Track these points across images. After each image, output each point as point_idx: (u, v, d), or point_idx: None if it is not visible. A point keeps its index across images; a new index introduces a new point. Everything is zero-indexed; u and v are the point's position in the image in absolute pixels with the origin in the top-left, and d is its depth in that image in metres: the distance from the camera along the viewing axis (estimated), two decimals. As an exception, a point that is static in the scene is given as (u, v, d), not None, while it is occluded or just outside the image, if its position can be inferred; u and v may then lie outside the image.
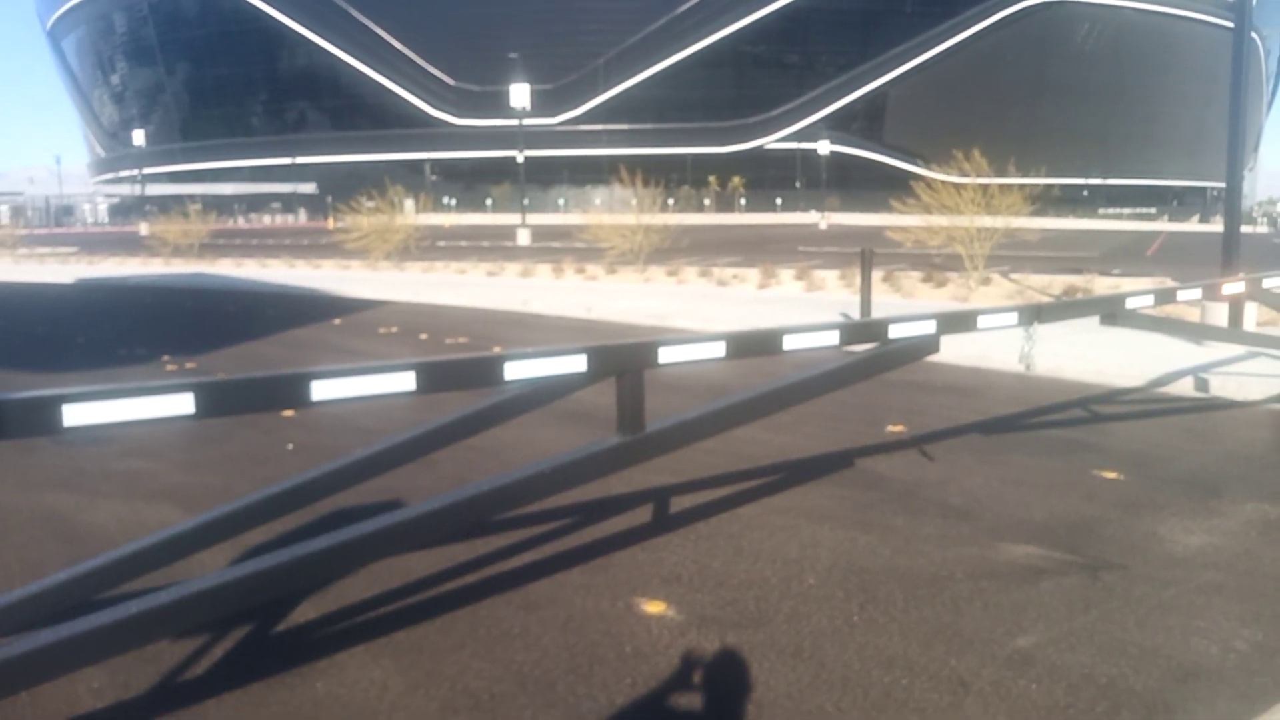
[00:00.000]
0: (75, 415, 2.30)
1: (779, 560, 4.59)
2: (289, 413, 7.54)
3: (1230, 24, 11.64)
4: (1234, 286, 6.43)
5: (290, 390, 2.61)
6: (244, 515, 3.31)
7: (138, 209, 72.63)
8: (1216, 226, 63.06)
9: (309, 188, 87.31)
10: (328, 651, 3.70)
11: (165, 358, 11.08)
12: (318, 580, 3.12)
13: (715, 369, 6.70)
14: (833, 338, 3.72)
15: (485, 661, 3.60)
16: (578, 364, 3.03)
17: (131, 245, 41.27)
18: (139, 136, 74.26)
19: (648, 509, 5.42)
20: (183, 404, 2.43)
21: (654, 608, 4.06)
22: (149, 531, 5.06)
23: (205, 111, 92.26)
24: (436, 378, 2.82)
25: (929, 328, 3.99)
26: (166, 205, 46.61)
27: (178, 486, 5.96)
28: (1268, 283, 6.57)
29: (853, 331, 3.83)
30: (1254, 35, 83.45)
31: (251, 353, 11.79)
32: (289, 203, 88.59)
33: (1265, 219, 78.04)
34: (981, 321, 4.26)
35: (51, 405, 2.29)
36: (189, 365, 10.68)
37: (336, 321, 15.09)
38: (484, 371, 2.95)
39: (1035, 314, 4.54)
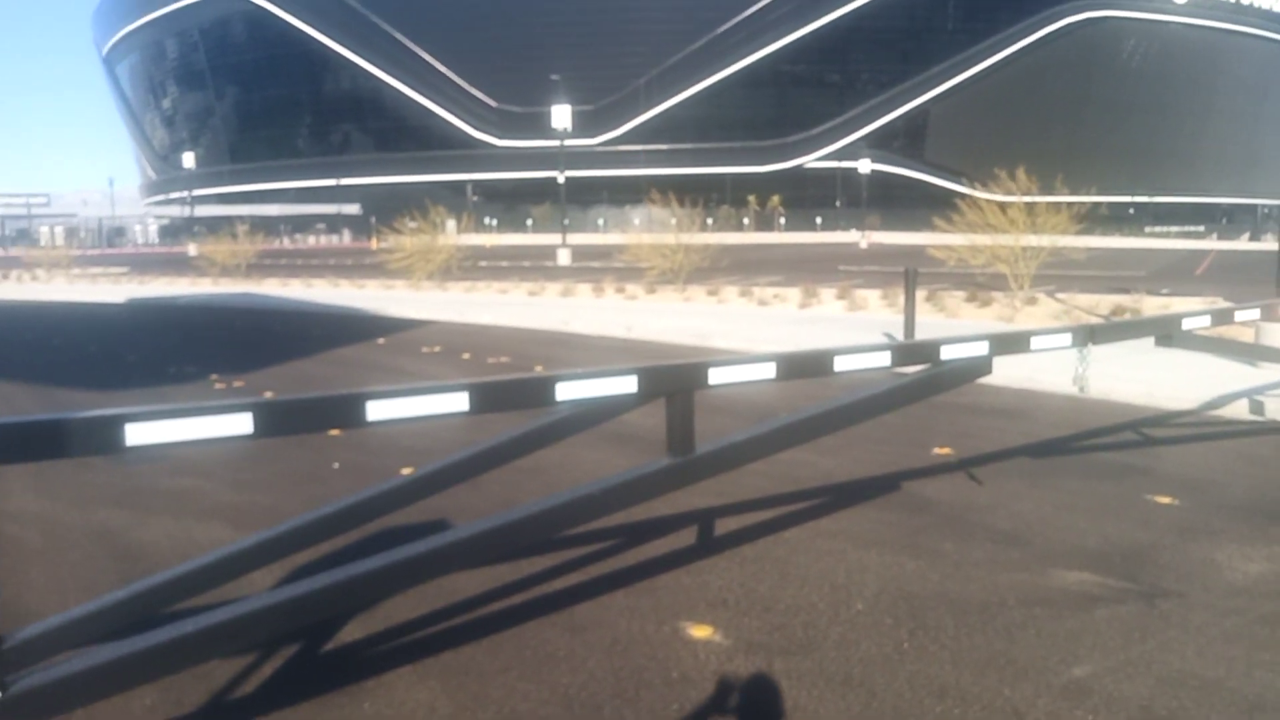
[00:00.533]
0: (137, 435, 2.34)
1: (826, 585, 4.53)
2: (335, 431, 7.61)
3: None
4: (1293, 307, 6.29)
5: (346, 410, 2.63)
6: (297, 535, 3.33)
7: (187, 230, 74.20)
8: (1267, 245, 61.77)
9: (353, 208, 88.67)
10: (375, 671, 3.71)
11: (214, 376, 11.26)
12: (369, 599, 3.13)
13: (757, 391, 6.66)
14: (884, 359, 3.68)
15: (531, 684, 3.59)
16: (628, 385, 3.03)
17: (180, 265, 42.11)
18: (189, 159, 75.98)
19: (692, 531, 5.39)
20: (241, 424, 2.46)
21: (700, 632, 4.02)
22: (200, 549, 5.14)
23: (253, 134, 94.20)
24: (489, 398, 2.83)
25: (981, 349, 3.93)
26: (215, 226, 47.57)
27: (228, 505, 6.03)
28: (1328, 303, 6.41)
29: (904, 353, 3.79)
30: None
31: (298, 371, 11.94)
32: (333, 223, 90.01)
33: (1319, 237, 76.34)
34: (1035, 343, 4.19)
35: (114, 425, 2.33)
36: (237, 384, 10.83)
37: (380, 341, 15.25)
38: (536, 392, 2.96)
39: (1090, 335, 4.47)
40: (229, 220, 47.92)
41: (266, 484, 6.53)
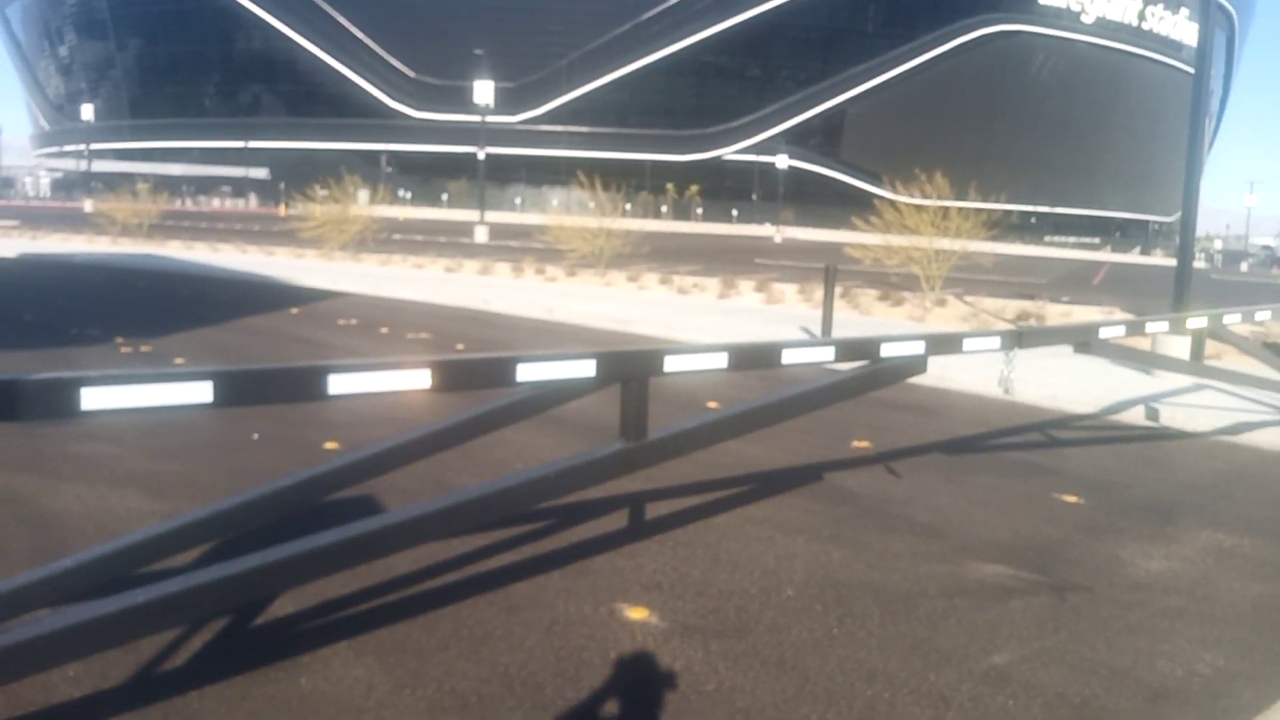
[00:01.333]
0: (94, 399, 2.26)
1: (756, 571, 4.64)
2: (254, 402, 7.43)
3: (1176, 63, 12.03)
4: (1197, 321, 6.65)
5: (308, 383, 2.59)
6: (239, 513, 3.26)
7: (83, 185, 70.89)
8: (1157, 259, 64.82)
9: (261, 173, 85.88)
10: (309, 647, 3.66)
11: (119, 339, 10.83)
12: (319, 576, 3.08)
13: (678, 381, 6.72)
14: (829, 354, 3.78)
15: (470, 662, 3.59)
16: (586, 369, 3.05)
17: (76, 222, 40.18)
18: (87, 111, 72.34)
19: (624, 515, 5.44)
20: (201, 392, 2.40)
21: (636, 614, 4.08)
22: (116, 518, 4.98)
23: (157, 89, 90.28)
24: (451, 376, 2.82)
25: (919, 348, 4.07)
26: (113, 183, 45.54)
27: (143, 473, 5.83)
28: (1228, 318, 6.81)
29: (846, 349, 3.90)
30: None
31: (209, 339, 11.57)
32: (240, 187, 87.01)
33: (1203, 254, 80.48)
34: (967, 344, 4.36)
35: (70, 388, 2.25)
36: (144, 349, 10.45)
37: (294, 311, 14.87)
38: (498, 372, 2.96)
39: (1017, 339, 4.66)
40: (129, 177, 45.96)
41: (183, 453, 6.33)
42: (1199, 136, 11.26)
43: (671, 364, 3.27)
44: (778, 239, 58.28)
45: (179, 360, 9.80)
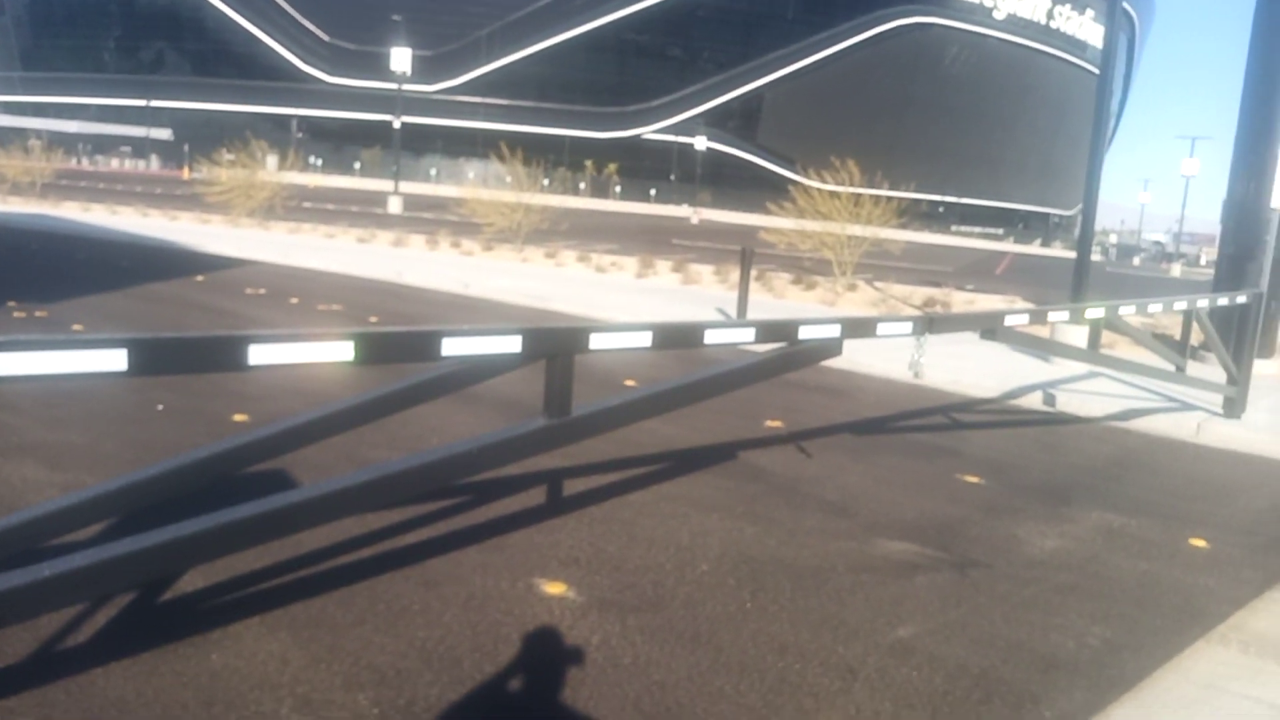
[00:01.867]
0: (1, 365, 2.18)
1: (671, 547, 4.71)
2: (158, 372, 7.19)
3: (1081, 63, 12.48)
4: (1095, 312, 6.96)
5: (228, 352, 2.53)
6: (149, 486, 3.17)
7: (-33, 139, 67.00)
8: (1057, 251, 67.22)
9: (164, 133, 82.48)
10: (220, 623, 3.59)
11: (12, 303, 10.36)
12: (234, 550, 3.02)
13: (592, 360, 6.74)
14: (749, 335, 3.86)
15: (387, 637, 3.58)
16: (512, 344, 3.05)
17: (-40, 178, 38.07)
18: (-27, 61, 68.43)
19: (541, 491, 5.46)
20: (115, 360, 2.33)
21: (554, 589, 4.11)
22: (12, 488, 4.79)
23: (51, 41, 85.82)
24: (374, 349, 2.79)
25: (834, 331, 4.18)
26: (4, 139, 43.22)
27: (40, 443, 5.61)
28: (1123, 310, 7.14)
29: (766, 331, 3.98)
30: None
31: (108, 305, 11.14)
32: (140, 147, 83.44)
33: (1099, 248, 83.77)
34: (881, 329, 4.49)
35: (-27, 353, 2.16)
36: (39, 314, 10.02)
37: (199, 279, 14.41)
38: (422, 346, 2.93)
39: (928, 324, 4.82)
40: (20, 133, 43.73)
41: (82, 423, 6.11)
42: (1102, 135, 11.72)
43: (597, 341, 3.29)
44: (695, 220, 58.60)
45: (77, 327, 9.42)
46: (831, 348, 4.27)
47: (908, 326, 4.68)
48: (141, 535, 2.62)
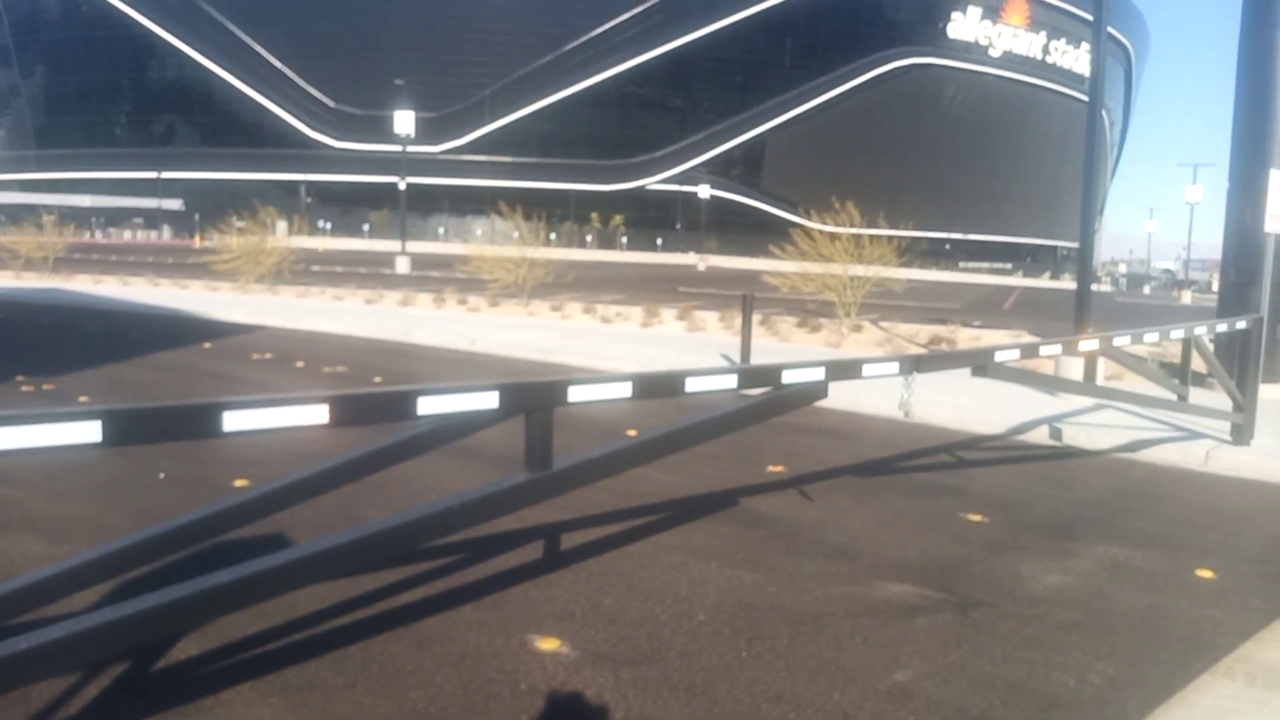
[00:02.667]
0: (-27, 442, 2.21)
1: (669, 597, 4.69)
2: (161, 440, 7.25)
3: (1080, 95, 12.58)
4: (1089, 344, 6.95)
5: (201, 420, 2.57)
6: (131, 553, 3.19)
7: (-16, 217, 68.25)
8: (1066, 283, 67.13)
9: (175, 204, 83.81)
10: (212, 690, 3.59)
11: (20, 377, 10.47)
12: (215, 615, 3.03)
13: (597, 410, 6.77)
14: (731, 382, 3.87)
15: (379, 699, 3.56)
16: (490, 400, 3.07)
17: (-24, 256, 38.69)
18: (-11, 141, 69.88)
19: (539, 546, 5.45)
20: (89, 432, 2.37)
21: (548, 645, 4.09)
22: (10, 563, 4.81)
23: (64, 119, 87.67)
24: (350, 411, 2.82)
25: (819, 374, 4.19)
26: (17, 215, 43.94)
27: (42, 516, 5.65)
28: (1118, 340, 7.13)
29: (749, 376, 3.99)
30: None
31: (116, 376, 11.25)
32: (152, 219, 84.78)
33: (1109, 278, 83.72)
34: (866, 370, 4.50)
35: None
36: (46, 386, 10.12)
37: (206, 345, 14.55)
38: (397, 406, 2.96)
39: (915, 364, 4.83)
40: (34, 209, 44.50)
41: (85, 494, 6.15)
42: (1095, 165, 11.78)
43: (576, 394, 3.32)
44: (701, 267, 58.89)
45: (83, 398, 9.51)
46: (817, 390, 4.28)
47: (894, 366, 4.68)
48: (121, 604, 2.63)
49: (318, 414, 2.72)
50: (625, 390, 3.48)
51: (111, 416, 2.39)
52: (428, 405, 2.93)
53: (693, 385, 3.66)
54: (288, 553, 3.01)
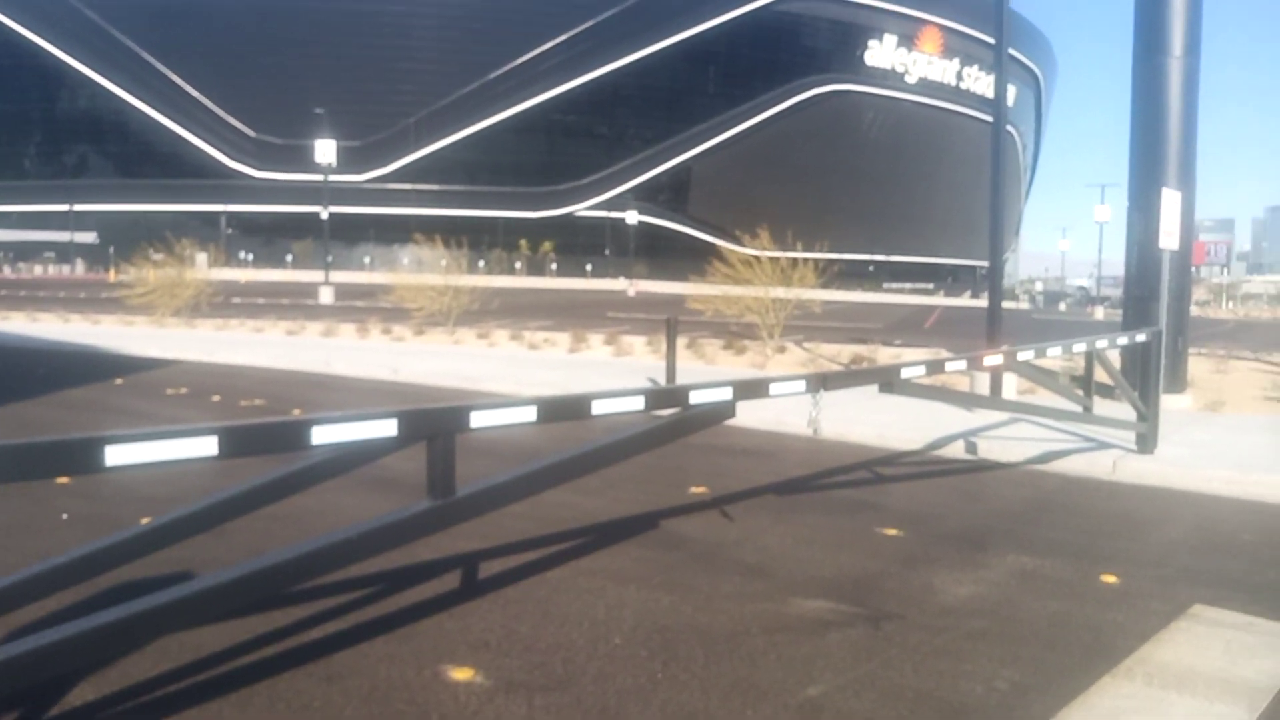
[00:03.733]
0: None
1: (586, 622, 4.67)
2: (64, 479, 7.01)
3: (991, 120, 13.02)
4: (993, 359, 7.16)
5: (83, 455, 2.50)
6: (19, 590, 3.08)
7: (-118, 253, 65.58)
8: (986, 302, 69.14)
9: (89, 237, 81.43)
10: (108, 735, 3.47)
11: (-85, 419, 10.04)
12: (105, 657, 2.93)
13: (527, 434, 6.74)
14: (638, 403, 3.89)
15: (284, 737, 3.48)
16: (388, 428, 3.05)
17: (-127, 294, 37.07)
18: (-112, 174, 67.16)
19: (455, 575, 5.39)
20: (-41, 470, 2.29)
21: (461, 675, 4.04)
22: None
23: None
24: (239, 442, 2.77)
25: (726, 394, 4.24)
26: (-81, 251, 42.27)
27: (-70, 562, 5.40)
28: (1021, 355, 7.35)
29: (656, 397, 4.02)
30: (1011, 130, 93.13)
31: (19, 414, 10.86)
32: (65, 252, 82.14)
33: (1026, 296, 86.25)
34: (773, 389, 4.57)
35: None
36: (-56, 428, 9.71)
37: (118, 381, 14.13)
38: (290, 436, 2.92)
39: (821, 382, 4.91)
40: (-63, 245, 42.81)
41: (-21, 538, 5.90)
42: (1000, 185, 12.17)
43: (478, 419, 3.30)
44: (631, 293, 59.19)
45: (-17, 439, 9.14)
46: (724, 410, 4.32)
47: (801, 385, 4.76)
48: (9, 644, 2.54)
49: (206, 446, 2.66)
50: (530, 414, 3.48)
51: (-15, 453, 2.31)
52: (323, 434, 2.90)
53: (599, 407, 3.68)
54: (185, 587, 2.93)
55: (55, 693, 3.72)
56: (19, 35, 78.81)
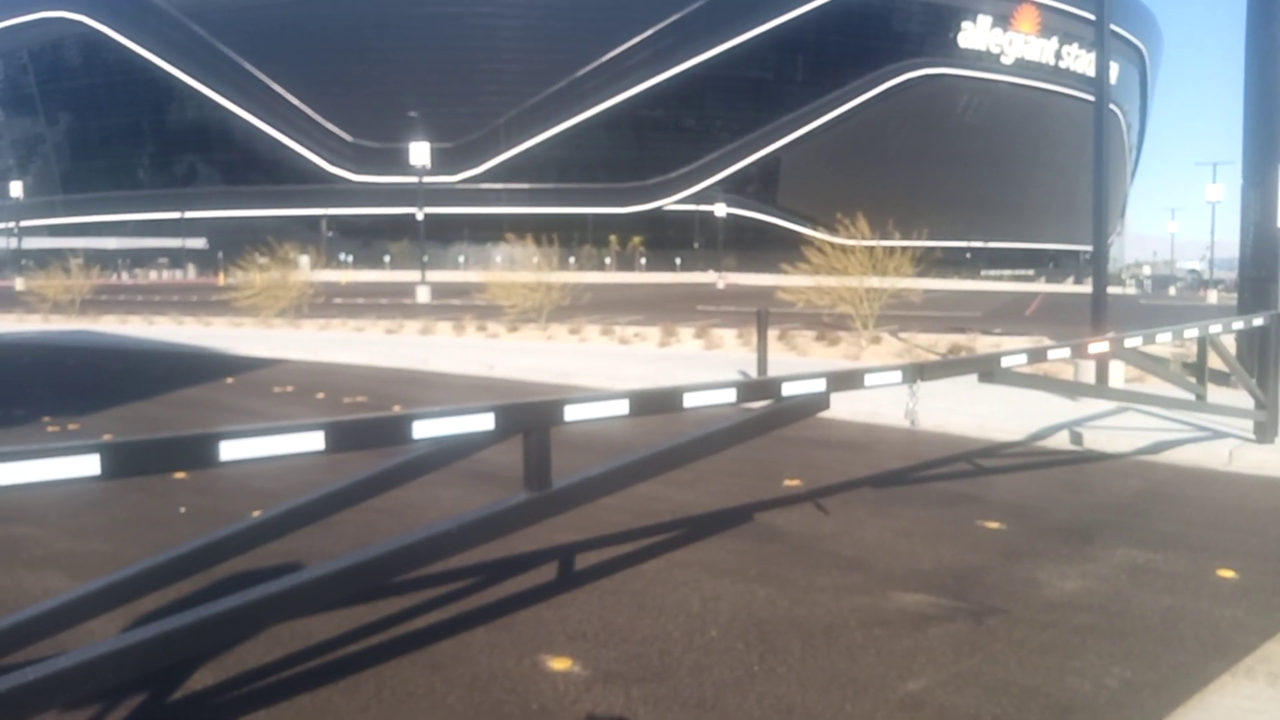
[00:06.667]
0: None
1: (681, 614, 4.68)
2: (181, 475, 7.35)
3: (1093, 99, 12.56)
4: (1099, 346, 6.91)
5: (199, 450, 2.62)
6: (141, 580, 3.25)
7: (13, 263, 69.65)
8: (1089, 288, 66.80)
9: (199, 243, 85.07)
10: (228, 718, 3.63)
11: (46, 419, 10.63)
12: (219, 644, 3.08)
13: (620, 427, 6.79)
14: (730, 395, 3.89)
15: (390, 723, 3.58)
16: (485, 422, 3.11)
17: (6, 301, 39.37)
18: (16, 188, 71.27)
19: (552, 567, 5.46)
20: (88, 465, 2.42)
21: (559, 664, 4.10)
22: (32, 601, 4.88)
23: (89, 163, 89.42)
24: (345, 437, 2.86)
25: (819, 385, 4.20)
26: (45, 259, 44.74)
27: (64, 553, 5.73)
28: (1129, 342, 7.07)
29: (749, 389, 4.01)
30: (1115, 109, 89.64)
31: (139, 413, 11.41)
32: (177, 258, 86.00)
33: (1132, 280, 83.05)
34: (869, 380, 4.50)
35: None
36: (72, 426, 10.27)
37: (229, 381, 14.71)
38: (392, 430, 3.00)
39: (918, 372, 4.82)
40: (61, 253, 45.22)
41: (106, 530, 6.24)
42: (1103, 166, 11.73)
43: (572, 413, 3.34)
44: (720, 285, 58.97)
45: (106, 436, 9.64)
46: (819, 402, 4.28)
47: (897, 376, 4.67)
48: (126, 633, 2.68)
49: (314, 441, 2.76)
50: (622, 408, 3.50)
51: (109, 450, 2.44)
52: (423, 429, 2.97)
53: (691, 400, 3.68)
54: (293, 577, 3.04)
55: (178, 677, 3.91)
56: (131, 52, 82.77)
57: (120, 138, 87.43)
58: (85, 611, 3.35)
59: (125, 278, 79.13)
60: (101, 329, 25.93)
